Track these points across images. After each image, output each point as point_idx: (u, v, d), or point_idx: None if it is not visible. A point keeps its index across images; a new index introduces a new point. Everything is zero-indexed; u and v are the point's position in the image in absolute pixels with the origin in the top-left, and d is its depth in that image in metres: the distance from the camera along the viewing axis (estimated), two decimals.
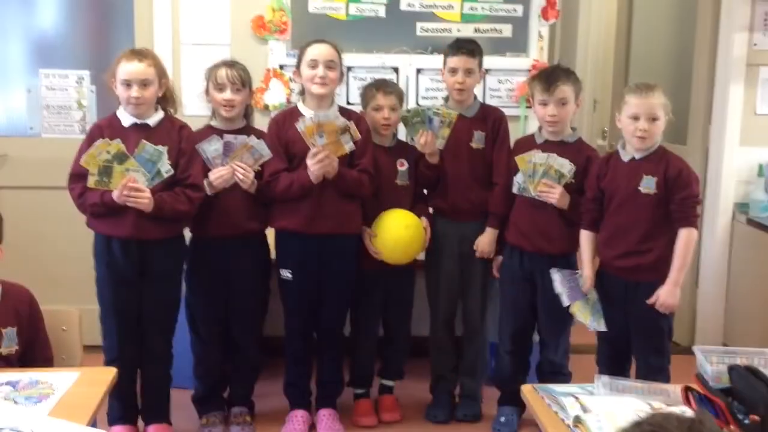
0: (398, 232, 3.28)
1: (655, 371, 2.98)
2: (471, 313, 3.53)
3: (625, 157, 3.03)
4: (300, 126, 3.07)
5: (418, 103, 3.40)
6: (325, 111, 3.10)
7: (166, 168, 2.95)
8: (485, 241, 3.39)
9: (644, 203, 2.97)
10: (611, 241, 3.06)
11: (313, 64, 3.20)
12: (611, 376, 2.24)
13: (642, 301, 2.99)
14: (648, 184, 2.95)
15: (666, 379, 2.99)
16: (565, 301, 3.10)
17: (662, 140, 3.03)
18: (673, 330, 3.09)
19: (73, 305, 2.76)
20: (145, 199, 2.91)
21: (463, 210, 3.41)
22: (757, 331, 3.96)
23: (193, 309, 3.34)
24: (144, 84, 3.01)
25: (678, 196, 2.94)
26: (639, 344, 3.08)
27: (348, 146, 3.12)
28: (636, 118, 2.94)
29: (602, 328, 3.06)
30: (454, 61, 3.36)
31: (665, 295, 2.95)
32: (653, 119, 2.92)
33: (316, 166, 3.09)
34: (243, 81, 3.23)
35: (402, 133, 3.52)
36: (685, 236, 2.96)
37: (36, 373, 2.27)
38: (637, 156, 3.00)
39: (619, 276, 3.05)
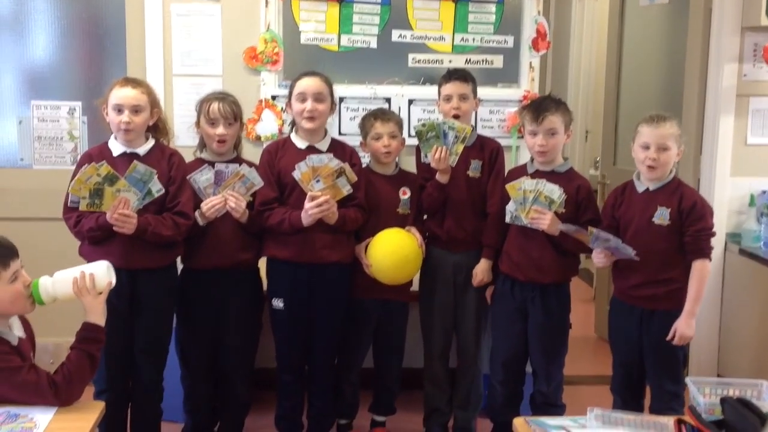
0: (392, 258, 3.24)
1: (671, 397, 3.03)
2: (465, 344, 3.50)
3: (640, 188, 3.09)
4: (296, 174, 3.08)
5: (410, 134, 3.40)
6: (318, 155, 3.10)
7: (157, 188, 2.95)
8: (481, 269, 3.38)
9: (658, 234, 3.01)
10: (626, 271, 3.08)
11: (302, 98, 3.21)
12: (604, 409, 2.23)
13: (657, 329, 3.03)
14: (662, 215, 3.00)
15: (681, 405, 3.01)
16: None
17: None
18: (688, 357, 3.10)
19: (62, 338, 2.75)
20: (131, 225, 2.90)
21: (458, 238, 3.39)
22: (751, 362, 3.95)
23: (183, 342, 3.31)
24: (135, 110, 3.01)
25: (692, 228, 2.99)
26: (654, 371, 3.09)
27: (346, 189, 3.12)
28: (646, 147, 3.01)
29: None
30: (448, 88, 3.38)
31: (682, 328, 2.99)
32: (663, 149, 2.98)
33: (314, 210, 3.07)
34: (235, 115, 3.23)
35: (405, 164, 3.52)
36: (699, 268, 3.00)
37: (14, 408, 2.24)
38: (652, 187, 3.06)
39: (634, 304, 3.08)
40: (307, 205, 3.09)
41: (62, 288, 2.44)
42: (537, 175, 3.20)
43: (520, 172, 3.31)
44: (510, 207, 3.18)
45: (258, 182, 3.13)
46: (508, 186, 3.16)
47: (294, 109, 3.25)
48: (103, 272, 2.48)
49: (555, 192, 3.08)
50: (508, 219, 3.21)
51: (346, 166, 3.11)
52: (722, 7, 4.09)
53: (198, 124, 3.27)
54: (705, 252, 3.00)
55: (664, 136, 2.99)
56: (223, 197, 3.10)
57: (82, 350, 2.40)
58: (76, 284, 2.44)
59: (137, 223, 2.91)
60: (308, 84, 3.23)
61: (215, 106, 3.20)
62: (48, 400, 2.27)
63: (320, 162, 3.07)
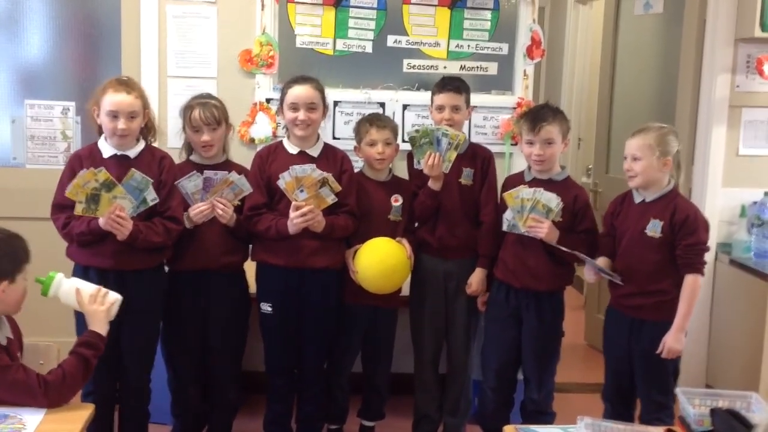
0: (379, 266, 3.23)
1: (659, 408, 3.03)
2: (455, 350, 3.50)
3: (637, 199, 3.11)
4: (281, 183, 3.08)
5: (404, 139, 3.39)
6: (302, 166, 3.09)
7: (152, 196, 2.95)
8: (476, 280, 3.38)
9: (650, 246, 3.01)
10: None
11: (294, 107, 3.21)
12: (594, 418, 2.23)
13: (646, 339, 3.03)
14: (654, 228, 3.01)
15: (669, 415, 3.01)
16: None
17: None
18: (679, 369, 3.09)
19: (52, 338, 2.74)
20: (126, 230, 2.89)
21: (449, 246, 3.39)
22: (740, 372, 3.96)
23: (169, 345, 3.29)
24: (131, 116, 3.00)
25: (684, 242, 2.98)
26: (642, 381, 3.10)
27: (330, 199, 3.12)
28: (626, 158, 3.06)
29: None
30: (441, 98, 3.38)
31: (671, 342, 2.98)
32: (635, 159, 3.02)
33: (299, 219, 3.08)
34: (218, 120, 3.21)
35: (397, 170, 3.52)
36: (689, 283, 2.98)
37: (3, 409, 2.24)
38: (648, 198, 3.07)
39: (625, 313, 3.08)
40: (292, 214, 3.09)
41: (68, 292, 2.56)
42: (534, 183, 3.20)
43: (517, 180, 3.31)
44: (507, 215, 3.18)
45: (247, 188, 3.13)
46: (505, 194, 3.17)
47: (286, 117, 3.25)
48: (115, 296, 2.61)
49: (552, 201, 3.08)
50: (505, 227, 3.21)
51: (329, 177, 3.11)
52: (716, 18, 4.11)
53: (184, 129, 3.26)
54: (696, 267, 2.98)
55: (634, 146, 3.03)
56: (211, 203, 3.09)
57: (80, 354, 2.41)
58: (80, 293, 2.53)
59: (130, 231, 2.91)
60: (300, 93, 3.21)
61: (197, 113, 3.18)
62: (37, 400, 2.27)
63: (303, 172, 3.07)
